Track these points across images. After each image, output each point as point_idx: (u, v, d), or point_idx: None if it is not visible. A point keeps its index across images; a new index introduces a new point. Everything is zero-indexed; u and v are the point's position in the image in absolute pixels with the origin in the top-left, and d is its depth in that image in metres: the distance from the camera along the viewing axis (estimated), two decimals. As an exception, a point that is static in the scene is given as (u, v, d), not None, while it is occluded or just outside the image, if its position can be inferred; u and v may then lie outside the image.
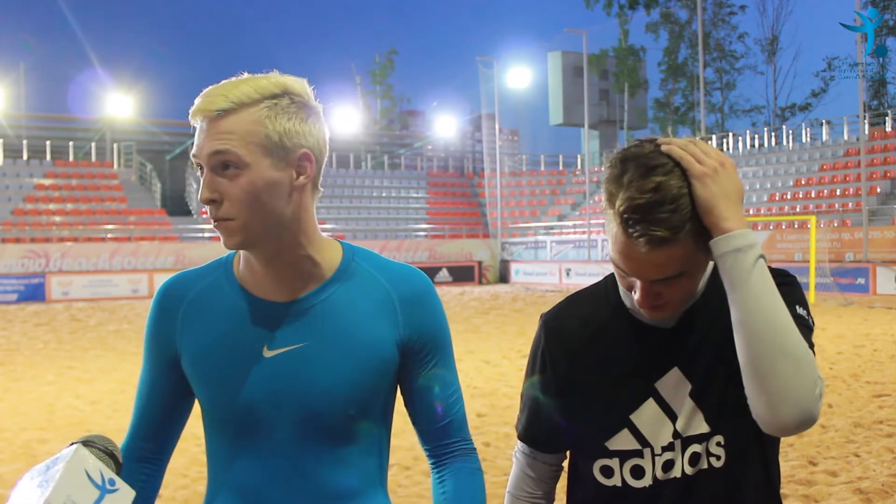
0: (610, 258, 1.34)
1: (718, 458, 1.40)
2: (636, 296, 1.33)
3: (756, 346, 1.22)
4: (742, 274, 1.24)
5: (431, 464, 1.47)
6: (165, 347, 1.42)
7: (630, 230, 1.24)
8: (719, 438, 1.40)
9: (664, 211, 1.23)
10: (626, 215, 1.24)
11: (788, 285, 1.36)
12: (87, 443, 1.15)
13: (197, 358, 1.38)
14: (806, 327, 1.31)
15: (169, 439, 1.48)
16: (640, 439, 1.42)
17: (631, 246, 1.26)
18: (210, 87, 1.32)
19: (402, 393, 1.46)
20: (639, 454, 1.42)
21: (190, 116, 1.31)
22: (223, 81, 1.33)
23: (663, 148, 1.28)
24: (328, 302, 1.38)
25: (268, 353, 1.35)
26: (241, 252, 1.40)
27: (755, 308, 1.22)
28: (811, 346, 1.30)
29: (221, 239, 1.33)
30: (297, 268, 1.37)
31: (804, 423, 1.22)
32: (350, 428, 1.37)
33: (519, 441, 1.59)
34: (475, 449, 1.49)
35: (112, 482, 1.10)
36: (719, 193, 1.24)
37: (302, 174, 1.33)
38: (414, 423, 1.47)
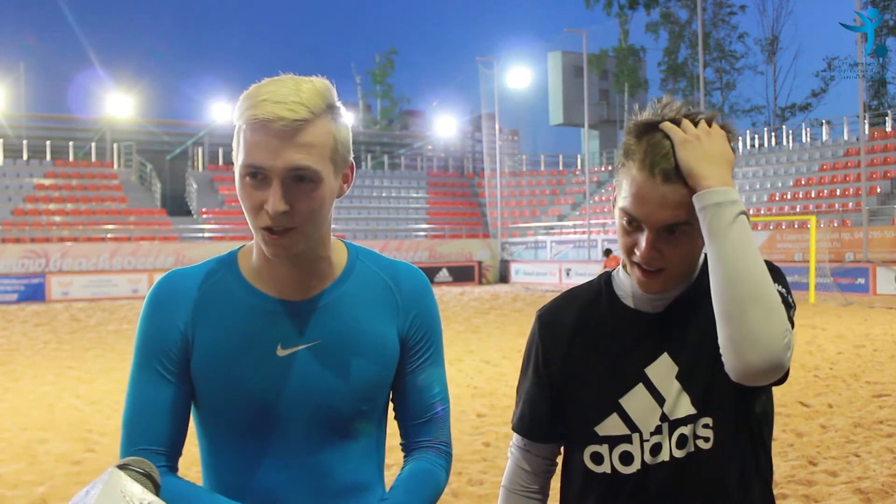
0: (618, 212, 1.39)
1: (706, 440, 1.42)
2: (638, 252, 1.37)
3: (729, 291, 1.26)
4: (721, 226, 1.28)
5: (404, 458, 1.48)
6: (175, 347, 1.35)
7: (650, 162, 1.33)
8: (707, 420, 1.42)
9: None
10: (648, 156, 1.33)
11: (770, 270, 1.40)
12: (123, 466, 1.16)
13: (209, 357, 1.34)
14: (786, 304, 1.35)
15: (180, 449, 1.38)
16: (629, 424, 1.45)
17: (648, 181, 1.33)
18: (263, 88, 1.24)
19: (392, 386, 1.47)
20: (627, 440, 1.45)
21: (257, 121, 1.22)
22: (271, 82, 1.25)
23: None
24: (339, 300, 1.39)
25: (282, 352, 1.35)
26: (253, 250, 1.39)
27: (732, 255, 1.27)
28: (791, 324, 1.34)
29: (272, 247, 1.28)
30: (316, 268, 1.38)
31: (771, 369, 1.25)
32: (359, 423, 1.39)
33: (514, 435, 1.62)
34: (450, 454, 1.49)
35: (151, 503, 1.11)
36: (701, 155, 1.31)
37: (346, 183, 1.37)
38: (397, 416, 1.48)
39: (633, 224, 1.38)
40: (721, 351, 1.29)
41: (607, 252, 17.53)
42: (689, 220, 1.34)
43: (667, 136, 1.34)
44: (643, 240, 1.36)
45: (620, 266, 1.53)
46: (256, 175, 1.25)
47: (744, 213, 1.30)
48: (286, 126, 1.22)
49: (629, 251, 1.40)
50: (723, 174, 1.31)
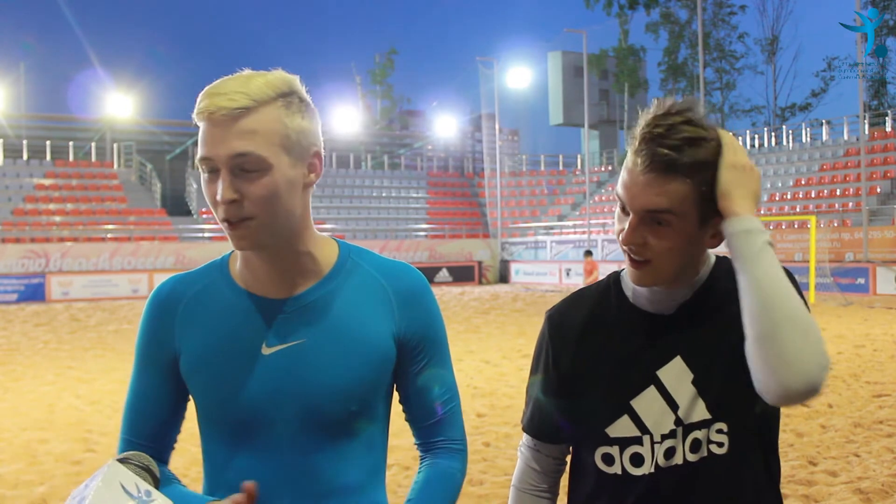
0: (615, 195, 1.43)
1: (720, 445, 1.42)
2: (623, 236, 1.39)
3: (766, 315, 1.26)
4: (752, 251, 1.30)
5: (420, 457, 1.49)
6: (164, 351, 1.40)
7: (638, 147, 1.36)
8: (721, 426, 1.42)
9: (669, 143, 1.33)
10: (638, 140, 1.36)
11: (785, 276, 1.39)
12: (123, 460, 1.19)
13: (196, 358, 1.37)
14: None
15: (168, 443, 1.45)
16: (639, 426, 1.44)
17: (634, 166, 1.36)
18: (215, 83, 1.27)
19: (397, 388, 1.47)
20: (638, 441, 1.45)
21: (202, 115, 1.26)
22: (226, 78, 1.28)
23: (720, 132, 1.39)
24: (326, 298, 1.38)
25: (267, 351, 1.35)
26: (240, 251, 1.39)
27: (765, 279, 1.28)
28: None
29: (234, 240, 1.30)
30: (298, 264, 1.38)
31: (809, 391, 1.24)
32: (351, 424, 1.38)
33: (524, 434, 1.62)
34: (464, 450, 1.49)
35: (148, 493, 1.13)
36: (741, 185, 1.34)
37: (313, 172, 1.35)
38: (407, 418, 1.49)
39: (624, 210, 1.40)
40: (754, 374, 1.28)
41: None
42: (673, 210, 1.34)
43: (671, 131, 1.34)
44: (627, 225, 1.39)
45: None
46: (212, 169, 1.27)
47: (770, 243, 1.32)
48: (226, 115, 1.24)
49: (619, 237, 1.42)
50: (752, 208, 1.35)
